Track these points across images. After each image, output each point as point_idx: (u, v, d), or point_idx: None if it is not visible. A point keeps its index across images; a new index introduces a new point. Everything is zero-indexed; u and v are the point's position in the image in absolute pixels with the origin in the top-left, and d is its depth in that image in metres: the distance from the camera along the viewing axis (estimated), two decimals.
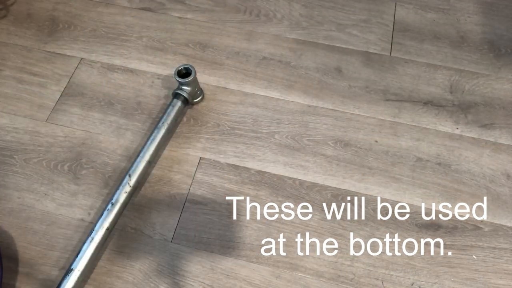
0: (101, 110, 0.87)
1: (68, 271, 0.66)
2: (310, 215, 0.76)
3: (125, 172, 0.80)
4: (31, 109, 0.87)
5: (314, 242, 0.74)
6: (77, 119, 0.86)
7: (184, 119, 0.87)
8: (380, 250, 0.73)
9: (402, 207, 0.77)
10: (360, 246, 0.74)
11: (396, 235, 0.75)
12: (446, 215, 0.76)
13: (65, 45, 0.96)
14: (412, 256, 0.73)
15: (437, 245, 0.74)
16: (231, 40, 0.97)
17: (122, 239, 0.74)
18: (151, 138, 0.78)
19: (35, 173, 0.80)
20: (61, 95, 0.89)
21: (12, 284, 0.71)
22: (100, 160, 0.82)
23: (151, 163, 0.77)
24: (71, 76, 0.92)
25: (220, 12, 1.01)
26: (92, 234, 0.69)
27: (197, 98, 0.87)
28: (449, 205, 0.77)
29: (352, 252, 0.73)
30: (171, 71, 0.92)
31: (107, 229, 0.70)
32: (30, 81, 0.91)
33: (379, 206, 0.77)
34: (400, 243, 0.74)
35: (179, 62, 0.93)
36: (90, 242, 0.68)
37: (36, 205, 0.77)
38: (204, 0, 1.03)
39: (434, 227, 0.75)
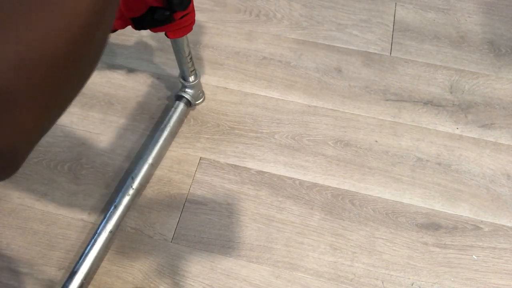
0: (101, 110, 0.87)
1: (72, 273, 0.66)
2: (310, 215, 0.76)
3: (126, 173, 0.80)
4: None
5: (314, 242, 0.74)
6: (77, 119, 0.86)
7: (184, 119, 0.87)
8: (380, 250, 0.73)
9: (402, 207, 0.77)
10: (360, 246, 0.74)
11: (396, 235, 0.75)
12: (446, 215, 0.76)
13: None
14: (412, 256, 0.73)
15: (437, 245, 0.74)
16: (231, 40, 0.97)
17: (122, 239, 0.74)
18: (154, 140, 0.78)
19: (35, 173, 0.80)
20: None
21: (12, 284, 0.71)
22: (100, 160, 0.82)
23: (153, 166, 0.77)
24: None
25: (220, 12, 1.01)
26: (95, 236, 0.69)
27: (199, 100, 0.87)
28: (449, 205, 0.77)
29: (352, 252, 0.73)
30: (171, 71, 0.92)
31: (111, 231, 0.70)
32: None
33: (379, 206, 0.77)
34: (400, 243, 0.74)
35: None
36: (93, 244, 0.68)
37: (36, 205, 0.77)
38: (204, 0, 1.03)
39: (434, 227, 0.75)
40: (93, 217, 0.76)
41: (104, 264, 0.72)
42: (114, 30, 0.64)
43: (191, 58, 0.73)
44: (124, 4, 0.61)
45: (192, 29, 0.65)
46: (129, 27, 0.62)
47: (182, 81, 0.80)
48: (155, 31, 0.63)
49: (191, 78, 0.79)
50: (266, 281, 0.71)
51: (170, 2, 0.60)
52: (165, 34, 0.64)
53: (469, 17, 1.00)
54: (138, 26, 0.62)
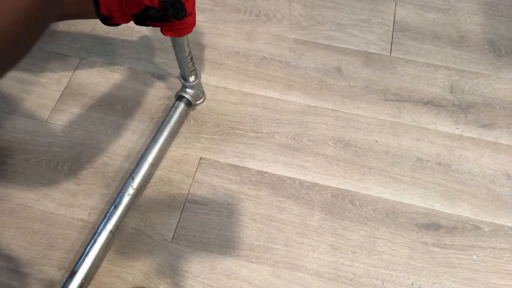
0: (101, 110, 0.87)
1: (72, 273, 0.66)
2: (310, 215, 0.76)
3: (126, 173, 0.80)
4: (31, 109, 0.87)
5: (314, 242, 0.74)
6: (77, 119, 0.86)
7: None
8: (380, 250, 0.73)
9: (402, 207, 0.77)
10: (360, 246, 0.74)
11: (396, 235, 0.75)
12: (446, 215, 0.76)
13: (65, 45, 0.96)
14: (412, 256, 0.73)
15: (437, 245, 0.74)
16: (231, 40, 0.97)
17: (122, 239, 0.74)
18: (154, 140, 0.78)
19: (35, 173, 0.80)
20: (61, 95, 0.89)
21: (12, 284, 0.71)
22: (100, 160, 0.82)
23: (154, 165, 0.77)
24: (71, 76, 0.92)
25: (220, 12, 1.01)
26: (95, 236, 0.69)
27: (199, 100, 0.87)
28: (449, 205, 0.77)
29: (352, 252, 0.73)
30: (171, 71, 0.92)
31: (111, 231, 0.70)
32: (30, 81, 0.91)
33: (379, 206, 0.77)
34: (400, 243, 0.74)
35: None
36: (93, 244, 0.68)
37: (36, 205, 0.77)
38: (204, 0, 1.03)
39: (434, 227, 0.75)
40: (93, 217, 0.76)
41: (104, 264, 0.72)
42: (118, 24, 0.65)
43: (191, 58, 0.73)
44: (125, 2, 0.62)
45: (191, 31, 0.65)
46: (131, 26, 0.62)
47: (183, 81, 0.80)
48: (154, 26, 0.63)
49: (191, 78, 0.79)
50: (266, 281, 0.71)
51: (165, 11, 0.59)
52: (161, 31, 0.64)
53: (469, 17, 1.00)
54: (138, 21, 0.62)
